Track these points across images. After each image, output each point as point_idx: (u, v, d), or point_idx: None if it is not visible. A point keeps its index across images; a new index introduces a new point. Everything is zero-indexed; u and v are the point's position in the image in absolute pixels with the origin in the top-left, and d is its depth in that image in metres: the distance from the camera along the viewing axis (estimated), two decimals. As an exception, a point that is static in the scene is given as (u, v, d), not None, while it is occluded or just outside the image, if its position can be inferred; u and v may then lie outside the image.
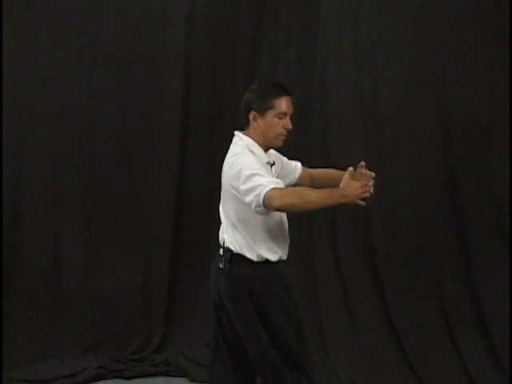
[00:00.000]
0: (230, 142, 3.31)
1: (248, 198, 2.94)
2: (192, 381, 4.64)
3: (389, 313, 4.68)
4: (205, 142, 5.08)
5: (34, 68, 4.70)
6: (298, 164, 3.52)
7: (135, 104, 4.97)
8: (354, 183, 2.92)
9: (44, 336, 4.74)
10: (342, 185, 2.95)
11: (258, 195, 2.89)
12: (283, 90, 3.20)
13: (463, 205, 4.59)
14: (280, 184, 3.00)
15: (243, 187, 2.98)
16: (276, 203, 2.87)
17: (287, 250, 3.28)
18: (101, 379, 4.62)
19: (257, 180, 2.93)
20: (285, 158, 3.49)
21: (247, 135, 3.23)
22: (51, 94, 4.75)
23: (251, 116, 3.19)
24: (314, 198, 2.95)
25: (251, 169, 3.01)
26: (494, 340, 4.41)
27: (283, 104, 3.17)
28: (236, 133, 3.29)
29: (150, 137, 5.04)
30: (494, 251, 4.51)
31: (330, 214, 4.70)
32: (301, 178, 3.49)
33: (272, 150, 3.34)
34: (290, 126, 3.20)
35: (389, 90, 4.73)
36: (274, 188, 2.89)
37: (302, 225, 4.71)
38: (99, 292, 4.90)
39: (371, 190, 3.01)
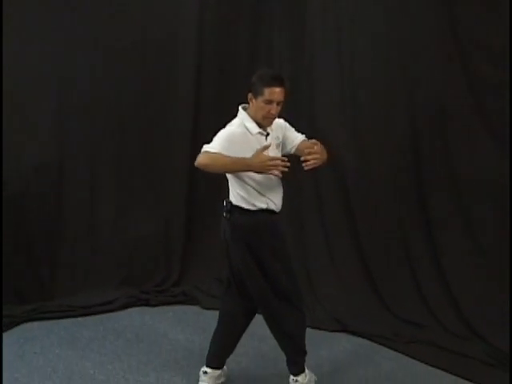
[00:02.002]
0: (236, 106, 3.39)
1: None
2: (203, 308, 4.86)
3: (362, 253, 4.81)
4: (214, 106, 5.15)
5: (77, 57, 4.81)
6: (300, 136, 3.49)
7: (157, 82, 5.05)
8: (262, 156, 3.12)
9: (85, 272, 4.93)
10: (252, 155, 3.15)
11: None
12: (275, 81, 3.21)
13: (423, 164, 4.59)
14: (214, 150, 3.13)
15: None
16: (196, 162, 3.14)
17: (277, 203, 3.38)
18: (130, 306, 4.83)
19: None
20: (291, 129, 3.50)
21: (246, 110, 3.33)
22: (89, 74, 4.87)
23: (249, 96, 3.28)
24: (222, 162, 3.13)
25: (216, 137, 3.21)
26: (446, 273, 4.49)
27: (271, 93, 3.19)
28: (239, 107, 3.37)
29: (169, 107, 5.12)
30: (444, 196, 4.54)
31: (315, 176, 4.75)
32: (299, 148, 3.43)
33: (279, 121, 3.40)
34: (273, 112, 3.24)
35: (362, 70, 4.76)
36: (204, 151, 3.14)
37: (293, 185, 4.67)
38: (129, 237, 5.05)
39: (315, 162, 3.16)
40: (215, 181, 4.87)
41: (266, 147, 3.18)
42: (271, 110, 3.25)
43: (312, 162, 3.18)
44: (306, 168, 3.19)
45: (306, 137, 3.54)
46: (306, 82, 4.98)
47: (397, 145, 4.72)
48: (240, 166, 3.19)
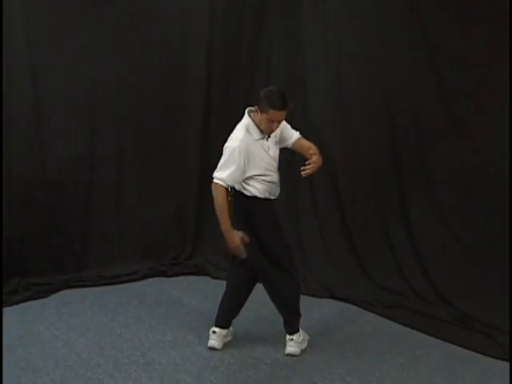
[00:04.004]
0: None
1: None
2: (213, 278, 4.91)
3: (349, 231, 4.82)
4: (222, 102, 5.14)
5: (104, 58, 4.80)
6: (295, 134, 3.51)
7: (172, 81, 5.04)
8: (233, 239, 3.28)
9: (112, 248, 4.97)
10: (231, 232, 3.28)
11: (214, 177, 3.26)
12: (280, 106, 3.21)
13: (400, 153, 4.59)
14: (223, 183, 3.22)
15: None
16: (213, 192, 3.25)
17: (276, 194, 3.46)
18: (150, 277, 4.89)
19: (219, 167, 3.26)
20: (287, 127, 3.49)
21: (251, 116, 3.34)
22: (115, 75, 4.88)
23: (255, 108, 3.31)
24: (218, 211, 3.26)
25: (225, 154, 3.27)
26: (417, 241, 4.52)
27: (274, 115, 3.22)
28: (246, 111, 3.37)
29: (182, 96, 5.09)
30: (418, 183, 4.54)
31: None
32: (295, 144, 3.51)
33: None
34: (273, 129, 3.30)
35: (347, 70, 4.76)
36: (218, 183, 3.23)
37: (290, 170, 4.65)
38: (149, 217, 5.08)
39: (314, 169, 3.29)
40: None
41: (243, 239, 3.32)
42: (272, 127, 3.31)
43: (310, 170, 3.31)
44: (304, 175, 3.32)
45: (300, 132, 3.59)
46: (300, 82, 4.99)
47: (378, 140, 4.72)
48: (223, 229, 3.30)
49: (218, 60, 5.19)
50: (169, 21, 5.04)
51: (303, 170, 3.31)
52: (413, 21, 4.40)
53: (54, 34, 4.63)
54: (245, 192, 3.38)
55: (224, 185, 3.25)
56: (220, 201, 3.25)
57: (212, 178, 3.34)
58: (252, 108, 3.37)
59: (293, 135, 3.53)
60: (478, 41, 4.08)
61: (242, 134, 3.31)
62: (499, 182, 4.02)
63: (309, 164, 3.34)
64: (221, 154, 4.84)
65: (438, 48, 4.31)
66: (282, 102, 3.24)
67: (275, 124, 3.30)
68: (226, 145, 3.33)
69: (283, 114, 3.27)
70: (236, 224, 3.43)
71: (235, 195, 3.40)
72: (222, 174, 3.25)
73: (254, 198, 3.39)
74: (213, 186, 3.26)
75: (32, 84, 4.57)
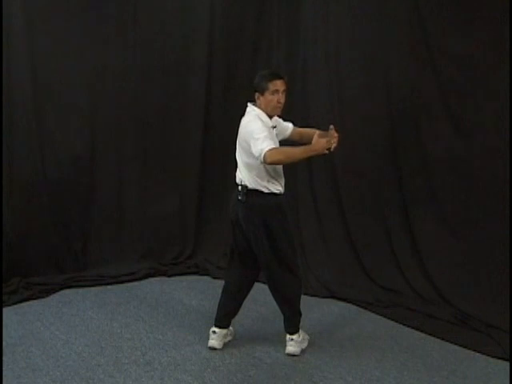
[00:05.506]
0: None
1: (256, 154, 3.20)
2: (213, 278, 4.92)
3: (349, 231, 4.80)
4: (222, 101, 5.16)
5: (107, 54, 4.83)
6: (290, 125, 3.63)
7: (172, 71, 5.05)
8: (320, 141, 3.20)
9: (112, 247, 4.98)
10: (312, 142, 3.22)
11: (260, 154, 3.16)
12: (275, 75, 3.36)
13: (399, 152, 4.55)
14: (275, 145, 3.20)
15: (253, 146, 3.20)
16: (268, 160, 3.16)
17: (283, 187, 3.47)
18: (151, 276, 4.90)
19: (261, 143, 3.17)
20: (280, 120, 3.58)
21: (256, 107, 3.40)
22: (115, 75, 4.89)
23: (256, 96, 3.37)
24: (293, 154, 3.23)
25: (259, 133, 3.22)
26: (417, 240, 4.49)
27: (275, 85, 3.32)
28: (249, 104, 3.43)
29: (182, 96, 5.10)
30: (417, 181, 4.51)
31: (308, 161, 4.74)
32: (291, 134, 3.62)
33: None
34: (281, 100, 3.36)
35: (347, 69, 4.74)
36: (269, 149, 3.14)
37: (290, 168, 4.59)
38: (149, 218, 5.11)
39: (335, 144, 3.27)
40: (223, 165, 4.98)
41: (322, 135, 3.26)
42: (279, 99, 3.36)
43: (336, 144, 3.32)
44: (333, 148, 3.31)
45: (300, 126, 3.71)
46: (300, 82, 4.98)
47: (378, 140, 4.71)
48: (307, 153, 3.26)
49: (218, 60, 5.20)
50: (169, 20, 5.05)
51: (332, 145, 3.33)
52: (413, 21, 4.40)
53: (54, 34, 4.64)
54: (262, 189, 3.38)
55: (269, 148, 3.18)
56: (283, 153, 3.21)
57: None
58: (253, 103, 3.43)
59: (289, 125, 3.64)
60: (478, 41, 4.10)
61: (259, 122, 3.34)
62: (499, 182, 4.03)
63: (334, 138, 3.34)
64: (221, 154, 5.01)
65: (438, 48, 4.32)
66: (276, 73, 3.41)
67: (280, 94, 3.36)
68: (250, 130, 3.32)
69: (282, 82, 3.37)
70: (245, 226, 3.44)
71: (248, 193, 3.39)
72: (265, 143, 3.19)
73: (271, 194, 3.41)
74: (268, 155, 3.15)
75: (32, 84, 4.57)
